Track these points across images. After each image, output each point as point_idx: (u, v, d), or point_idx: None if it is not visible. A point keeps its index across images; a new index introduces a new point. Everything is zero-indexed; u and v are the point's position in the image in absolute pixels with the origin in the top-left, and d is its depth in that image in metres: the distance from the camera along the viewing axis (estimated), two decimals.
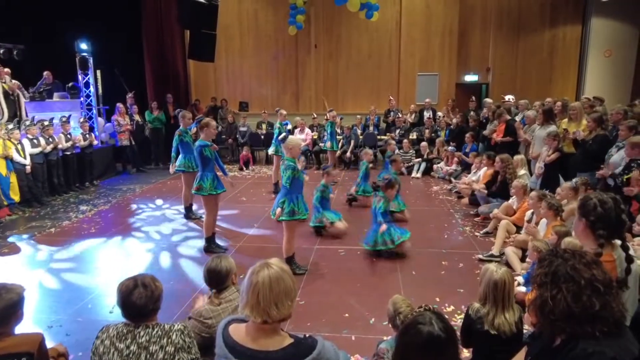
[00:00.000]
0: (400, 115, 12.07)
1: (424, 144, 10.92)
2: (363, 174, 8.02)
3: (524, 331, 3.02)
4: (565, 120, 7.19)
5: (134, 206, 8.23)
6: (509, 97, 10.94)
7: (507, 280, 2.76)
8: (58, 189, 8.97)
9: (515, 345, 2.71)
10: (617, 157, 5.51)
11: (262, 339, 1.79)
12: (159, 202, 8.48)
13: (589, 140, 6.23)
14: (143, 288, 2.16)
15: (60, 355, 2.64)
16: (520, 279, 4.34)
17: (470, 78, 14.46)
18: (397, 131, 11.70)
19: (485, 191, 7.18)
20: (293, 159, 4.97)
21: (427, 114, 12.12)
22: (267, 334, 1.80)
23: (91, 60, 10.77)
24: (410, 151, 10.96)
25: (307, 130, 11.66)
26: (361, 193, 7.98)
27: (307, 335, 1.88)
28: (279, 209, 4.91)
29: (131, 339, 2.12)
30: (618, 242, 2.20)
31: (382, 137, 11.87)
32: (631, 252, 2.19)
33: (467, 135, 9.92)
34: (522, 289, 4.18)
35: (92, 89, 10.87)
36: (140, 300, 2.14)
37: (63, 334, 3.94)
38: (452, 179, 9.38)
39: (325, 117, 10.71)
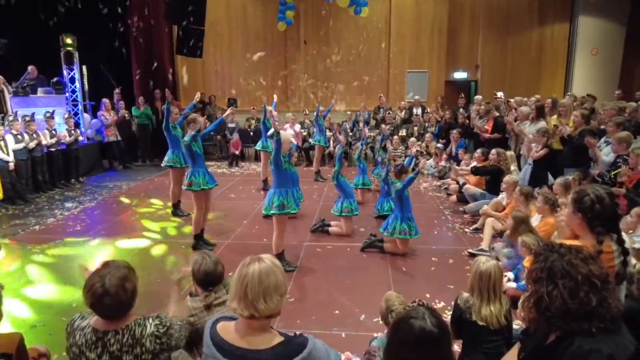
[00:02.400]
0: (390, 112, 12.06)
1: (412, 139, 10.93)
2: (360, 167, 8.01)
3: (516, 327, 3.02)
4: (555, 117, 7.23)
5: (121, 203, 8.10)
6: (500, 94, 10.95)
7: (494, 273, 2.77)
8: (42, 186, 8.79)
9: (504, 337, 2.73)
10: (606, 151, 5.57)
11: (251, 337, 1.73)
12: (146, 199, 8.36)
13: (576, 136, 6.27)
14: (109, 297, 1.95)
15: (42, 356, 2.55)
16: (510, 274, 4.33)
17: (460, 75, 14.49)
18: (387, 127, 11.67)
19: (469, 168, 7.14)
20: (282, 154, 4.94)
21: (416, 111, 12.14)
22: (256, 331, 1.74)
23: (76, 55, 10.57)
24: (400, 148, 10.96)
25: (297, 126, 11.60)
26: (361, 186, 7.95)
27: (297, 334, 1.83)
28: None
29: (102, 347, 1.98)
30: (614, 235, 2.18)
31: (372, 133, 11.84)
32: (626, 245, 2.18)
33: (454, 132, 9.97)
34: (513, 284, 4.18)
35: (77, 84, 10.68)
36: (109, 307, 1.98)
37: (46, 334, 3.85)
38: (443, 174, 9.41)
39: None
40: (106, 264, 2.07)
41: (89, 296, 1.98)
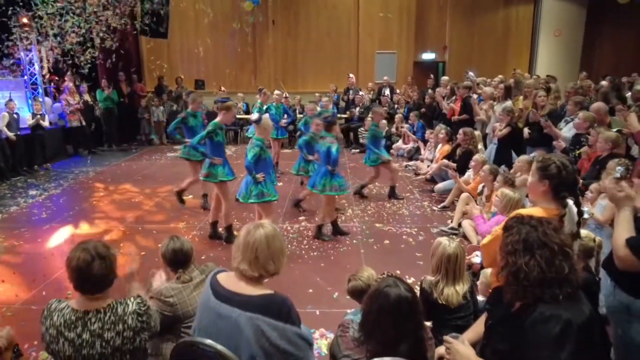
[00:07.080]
0: (359, 93, 12.11)
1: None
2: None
3: (481, 299, 3.16)
4: (521, 97, 7.40)
5: (88, 189, 7.91)
6: (471, 74, 10.95)
7: (459, 254, 2.87)
8: (6, 173, 8.45)
9: (470, 312, 2.85)
10: (566, 130, 5.79)
11: (243, 285, 1.97)
12: (113, 184, 8.18)
13: (544, 116, 6.45)
14: (101, 260, 1.99)
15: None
16: (478, 252, 4.47)
17: (428, 56, 14.63)
18: (357, 109, 11.73)
19: (455, 165, 7.25)
20: (262, 139, 4.90)
21: (384, 92, 12.23)
22: (250, 281, 1.97)
23: (34, 37, 10.08)
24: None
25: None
26: (302, 173, 7.87)
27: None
28: None
29: (82, 326, 1.98)
30: (570, 200, 2.36)
31: (342, 115, 11.87)
32: (583, 208, 2.44)
33: (412, 114, 10.24)
34: (478, 260, 4.32)
35: (36, 66, 10.24)
36: (100, 272, 1.98)
37: (17, 323, 3.78)
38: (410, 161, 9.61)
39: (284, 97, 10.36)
40: (84, 242, 2.09)
41: (76, 265, 1.97)
